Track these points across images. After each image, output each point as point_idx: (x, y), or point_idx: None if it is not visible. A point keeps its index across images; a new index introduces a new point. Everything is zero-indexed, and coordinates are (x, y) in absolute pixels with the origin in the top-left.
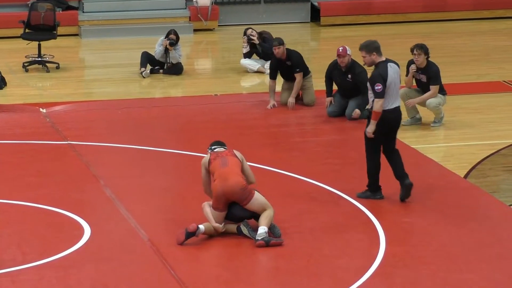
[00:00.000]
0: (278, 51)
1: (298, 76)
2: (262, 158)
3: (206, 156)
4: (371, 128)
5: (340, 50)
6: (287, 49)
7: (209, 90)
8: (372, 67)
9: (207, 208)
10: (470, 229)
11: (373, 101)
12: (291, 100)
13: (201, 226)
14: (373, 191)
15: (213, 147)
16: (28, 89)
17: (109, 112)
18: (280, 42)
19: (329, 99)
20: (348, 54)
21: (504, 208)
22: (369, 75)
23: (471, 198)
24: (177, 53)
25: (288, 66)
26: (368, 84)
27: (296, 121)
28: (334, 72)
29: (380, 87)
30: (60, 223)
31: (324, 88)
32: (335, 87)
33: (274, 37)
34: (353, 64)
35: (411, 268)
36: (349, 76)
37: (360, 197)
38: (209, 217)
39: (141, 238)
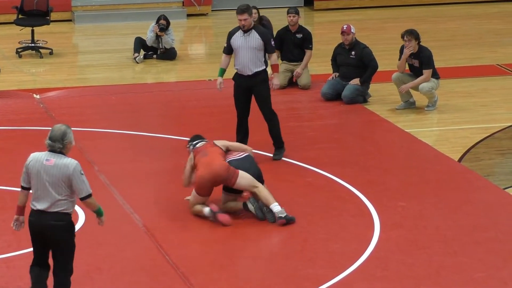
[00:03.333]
0: (292, 19)
1: (309, 52)
2: (257, 142)
3: (191, 155)
4: (278, 80)
5: (345, 28)
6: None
7: (202, 75)
8: None
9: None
10: (464, 213)
11: (265, 61)
12: (299, 70)
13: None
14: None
15: (194, 143)
16: (21, 75)
17: (102, 97)
18: (296, 11)
19: (334, 74)
20: (352, 32)
21: (498, 192)
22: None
23: (466, 181)
24: (170, 37)
25: (296, 38)
26: (262, 43)
27: (291, 105)
28: (338, 52)
29: (273, 42)
30: None
31: (319, 72)
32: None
33: (271, 23)
34: (357, 42)
35: (406, 252)
36: (353, 53)
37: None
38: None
39: (136, 223)
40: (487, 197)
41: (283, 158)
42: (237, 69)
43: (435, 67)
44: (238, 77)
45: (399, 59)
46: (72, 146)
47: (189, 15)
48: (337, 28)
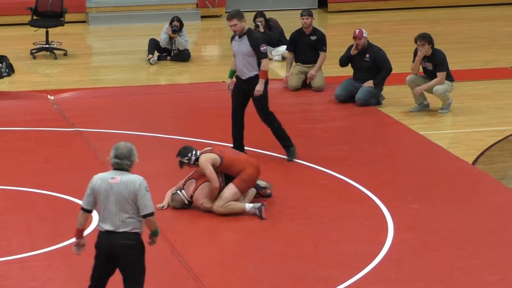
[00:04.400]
0: (306, 21)
1: (323, 54)
2: (269, 144)
3: (212, 155)
4: (261, 87)
5: (356, 33)
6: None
7: (216, 77)
8: None
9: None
10: (477, 215)
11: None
12: (313, 72)
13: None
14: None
15: (194, 152)
16: (36, 76)
17: (116, 99)
18: (310, 13)
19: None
20: (364, 37)
21: None
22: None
23: (479, 184)
24: (183, 39)
25: (310, 40)
26: (251, 49)
27: (304, 107)
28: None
29: (265, 47)
30: (68, 210)
31: (333, 74)
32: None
33: (280, 24)
34: (370, 45)
35: (419, 254)
36: (367, 56)
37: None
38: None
39: None
40: (500, 200)
41: (296, 160)
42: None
43: (449, 69)
44: (237, 78)
45: (413, 61)
46: (136, 163)
47: (203, 17)
48: (351, 30)
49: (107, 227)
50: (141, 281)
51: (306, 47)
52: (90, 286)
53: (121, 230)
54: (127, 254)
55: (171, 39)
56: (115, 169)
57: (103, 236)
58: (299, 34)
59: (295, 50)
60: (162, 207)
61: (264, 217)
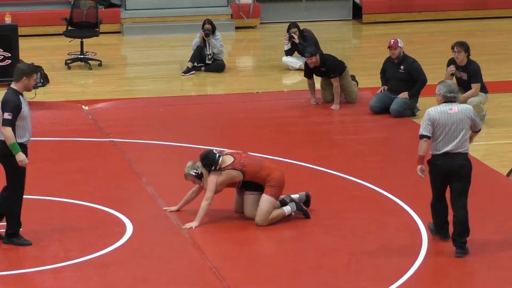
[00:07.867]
0: (310, 61)
1: (335, 82)
2: (303, 155)
3: (234, 172)
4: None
5: (392, 43)
6: (320, 55)
7: (250, 88)
8: None
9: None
10: (511, 227)
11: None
12: (333, 108)
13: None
14: None
15: (216, 160)
16: (70, 86)
17: (151, 109)
18: (312, 53)
19: (382, 87)
20: (400, 47)
21: None
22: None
23: None
24: (218, 42)
25: (322, 72)
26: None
27: (338, 118)
28: (387, 65)
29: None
30: (102, 220)
31: (366, 85)
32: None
33: (315, 35)
34: (405, 57)
35: (454, 266)
36: (402, 67)
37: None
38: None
39: (182, 235)
40: None
41: (329, 171)
42: (25, 141)
43: (483, 81)
44: (23, 147)
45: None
46: None
47: (237, 28)
48: (385, 42)
49: (446, 149)
50: (467, 191)
51: (321, 75)
52: (436, 198)
53: (457, 151)
54: (461, 171)
55: (205, 43)
56: (446, 101)
57: (440, 159)
58: (309, 67)
59: (311, 76)
60: (169, 210)
61: (308, 212)
